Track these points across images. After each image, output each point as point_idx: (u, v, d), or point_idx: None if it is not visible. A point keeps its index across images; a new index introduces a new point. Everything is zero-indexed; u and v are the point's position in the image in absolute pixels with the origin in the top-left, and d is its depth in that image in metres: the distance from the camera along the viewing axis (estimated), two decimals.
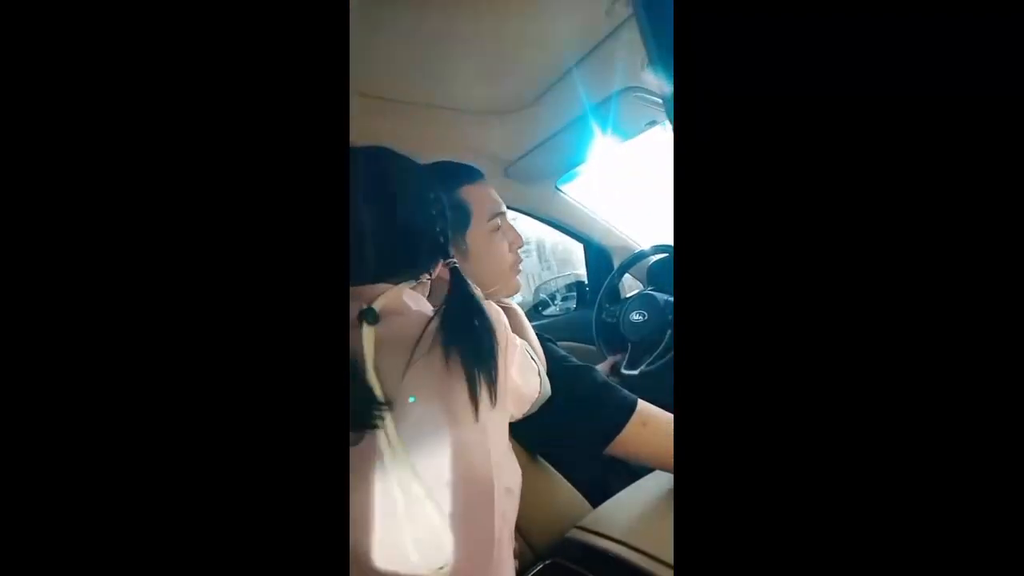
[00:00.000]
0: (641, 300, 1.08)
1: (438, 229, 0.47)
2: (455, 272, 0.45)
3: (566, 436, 0.58)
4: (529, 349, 0.50)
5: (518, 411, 0.48)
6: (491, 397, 0.40)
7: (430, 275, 0.48)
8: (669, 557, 0.46)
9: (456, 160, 0.67)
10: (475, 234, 0.64)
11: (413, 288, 0.46)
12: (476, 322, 0.42)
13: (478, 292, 0.45)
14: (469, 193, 0.64)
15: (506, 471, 0.42)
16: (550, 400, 0.54)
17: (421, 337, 0.40)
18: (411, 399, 0.38)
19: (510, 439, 0.55)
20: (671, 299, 1.05)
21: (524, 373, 0.47)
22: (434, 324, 0.41)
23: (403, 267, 0.45)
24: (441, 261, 0.47)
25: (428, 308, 0.44)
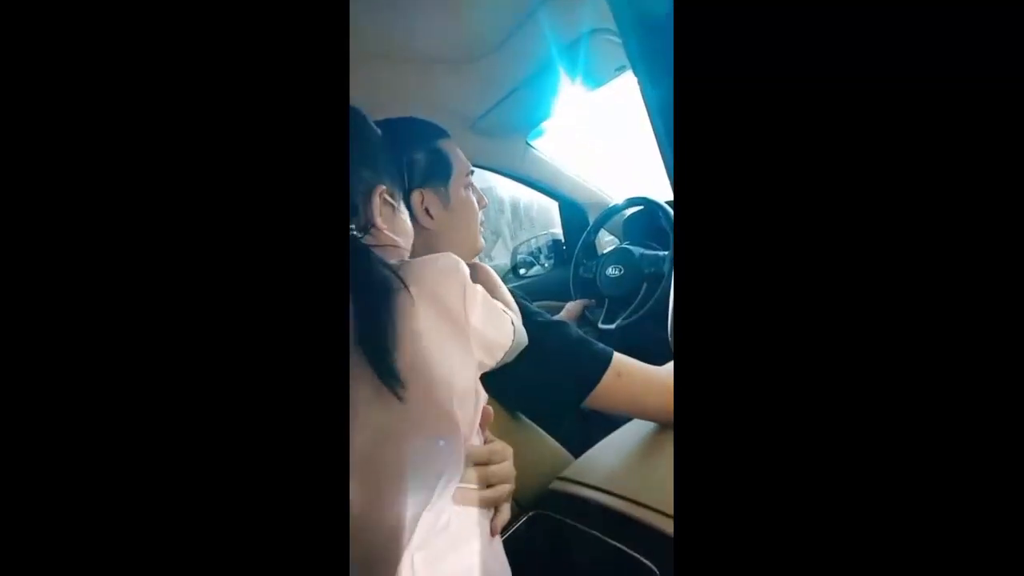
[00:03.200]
0: (617, 255, 1.08)
1: None
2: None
3: (543, 391, 0.58)
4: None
5: (489, 358, 0.46)
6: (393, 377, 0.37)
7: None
8: (650, 501, 0.47)
9: (421, 116, 0.67)
10: (455, 186, 0.65)
11: None
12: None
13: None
14: (446, 146, 0.65)
15: (469, 421, 0.42)
16: (526, 356, 0.53)
17: None
18: None
19: (490, 395, 0.54)
20: (647, 252, 1.05)
21: (489, 319, 0.45)
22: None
23: None
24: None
25: None
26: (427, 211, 0.63)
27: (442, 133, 0.66)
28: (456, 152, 0.66)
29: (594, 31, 0.79)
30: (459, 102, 1.00)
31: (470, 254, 0.68)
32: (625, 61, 0.91)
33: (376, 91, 0.88)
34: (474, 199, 0.68)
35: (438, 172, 0.64)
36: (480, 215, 0.69)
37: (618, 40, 0.82)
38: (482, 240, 0.70)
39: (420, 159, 0.63)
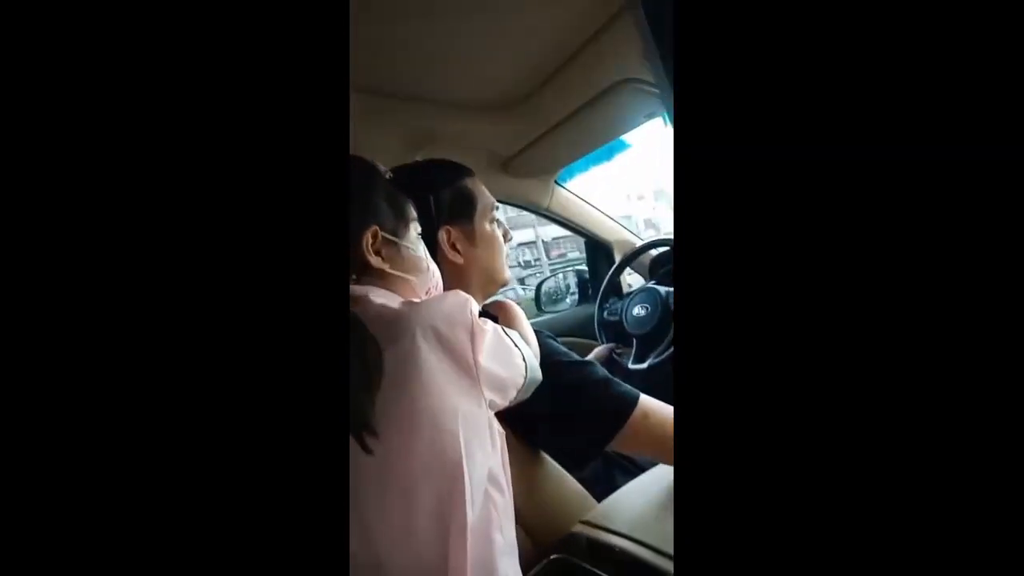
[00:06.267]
0: (644, 294, 1.08)
1: None
2: None
3: (568, 432, 0.57)
4: (512, 334, 0.49)
5: (500, 397, 0.46)
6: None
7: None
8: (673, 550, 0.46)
9: (452, 157, 0.70)
10: (479, 222, 0.67)
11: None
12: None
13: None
14: (471, 183, 0.68)
15: (484, 460, 0.42)
16: (551, 395, 0.53)
17: None
18: None
19: (513, 435, 0.54)
20: (673, 291, 1.05)
21: (497, 357, 0.45)
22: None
23: None
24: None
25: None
26: (454, 246, 0.65)
27: (467, 171, 0.69)
28: (480, 189, 0.68)
29: (627, 80, 0.82)
30: (491, 144, 1.04)
31: (497, 286, 0.70)
32: (654, 108, 0.94)
33: (412, 134, 0.93)
34: (499, 233, 0.70)
35: (463, 209, 0.66)
36: (506, 249, 0.71)
37: (647, 89, 0.85)
38: (508, 273, 0.71)
39: (445, 197, 0.65)
